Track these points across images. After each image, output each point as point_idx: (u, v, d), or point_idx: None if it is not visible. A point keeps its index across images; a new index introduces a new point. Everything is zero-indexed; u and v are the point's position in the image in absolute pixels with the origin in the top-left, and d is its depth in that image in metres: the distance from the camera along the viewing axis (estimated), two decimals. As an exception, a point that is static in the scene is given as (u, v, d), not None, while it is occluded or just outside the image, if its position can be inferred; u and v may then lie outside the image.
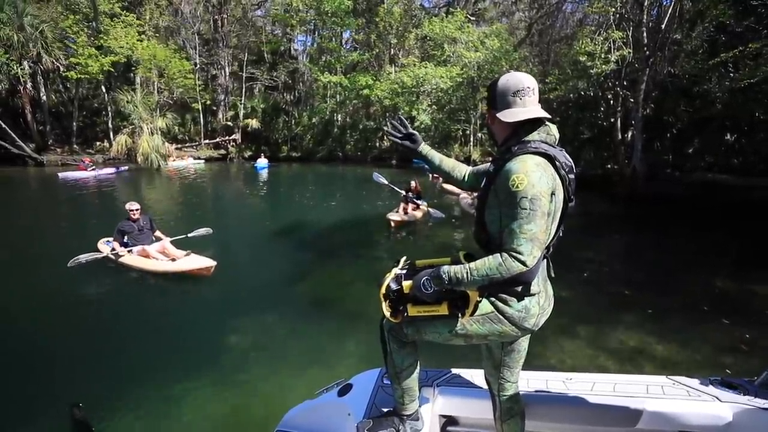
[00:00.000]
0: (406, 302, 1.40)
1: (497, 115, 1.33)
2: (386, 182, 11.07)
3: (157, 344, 4.19)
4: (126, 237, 6.28)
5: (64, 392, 3.25)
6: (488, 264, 1.20)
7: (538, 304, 1.37)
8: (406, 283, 1.38)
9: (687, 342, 4.07)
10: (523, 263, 1.16)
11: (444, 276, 1.26)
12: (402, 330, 1.48)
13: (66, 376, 3.56)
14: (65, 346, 4.10)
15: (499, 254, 1.20)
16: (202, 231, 7.16)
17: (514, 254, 1.17)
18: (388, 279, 1.43)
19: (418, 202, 9.84)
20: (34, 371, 3.64)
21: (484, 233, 1.36)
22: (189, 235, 6.85)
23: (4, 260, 6.90)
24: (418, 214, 9.62)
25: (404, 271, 1.45)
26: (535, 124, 1.32)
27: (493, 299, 1.35)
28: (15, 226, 9.74)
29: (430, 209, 9.81)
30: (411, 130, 1.67)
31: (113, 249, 6.21)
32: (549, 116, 1.33)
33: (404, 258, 1.58)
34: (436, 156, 1.70)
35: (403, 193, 9.94)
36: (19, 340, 4.18)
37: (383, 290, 1.41)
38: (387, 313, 1.42)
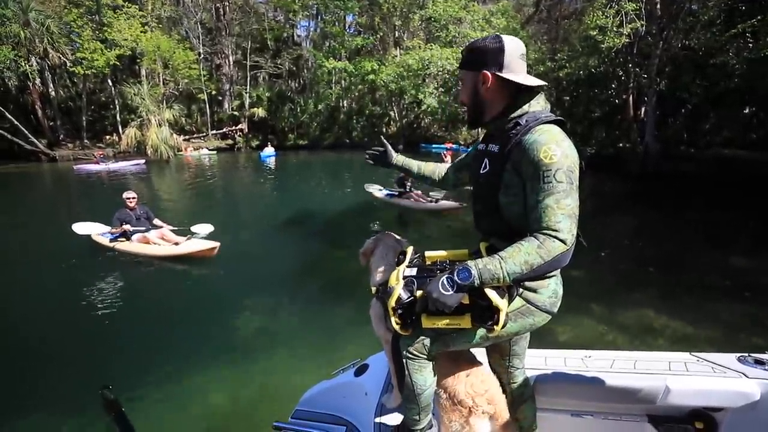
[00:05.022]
0: (419, 311, 1.18)
1: (509, 76, 1.18)
2: (381, 195, 10.11)
3: (175, 328, 4.27)
4: (124, 225, 6.42)
5: (91, 375, 3.32)
6: (525, 249, 1.05)
7: (561, 284, 1.27)
8: (420, 293, 1.17)
9: (708, 319, 4.01)
10: (564, 242, 1.04)
11: (473, 270, 1.07)
12: (424, 349, 1.27)
13: (91, 361, 3.64)
14: (87, 332, 4.19)
15: (533, 236, 1.06)
16: (204, 228, 6.65)
17: (553, 233, 1.04)
18: (397, 287, 1.18)
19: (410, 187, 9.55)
20: (54, 357, 3.73)
21: (500, 221, 1.23)
22: (192, 228, 6.62)
23: (24, 252, 7.05)
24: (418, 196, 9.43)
25: (414, 271, 1.25)
26: (529, 93, 1.21)
27: (521, 290, 1.21)
28: (32, 219, 9.91)
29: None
30: (387, 148, 1.67)
31: (113, 230, 6.32)
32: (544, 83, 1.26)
33: (411, 249, 1.41)
34: (414, 164, 1.67)
35: (407, 189, 9.54)
36: (37, 329, 4.29)
37: (392, 302, 1.17)
38: (397, 327, 1.20)
